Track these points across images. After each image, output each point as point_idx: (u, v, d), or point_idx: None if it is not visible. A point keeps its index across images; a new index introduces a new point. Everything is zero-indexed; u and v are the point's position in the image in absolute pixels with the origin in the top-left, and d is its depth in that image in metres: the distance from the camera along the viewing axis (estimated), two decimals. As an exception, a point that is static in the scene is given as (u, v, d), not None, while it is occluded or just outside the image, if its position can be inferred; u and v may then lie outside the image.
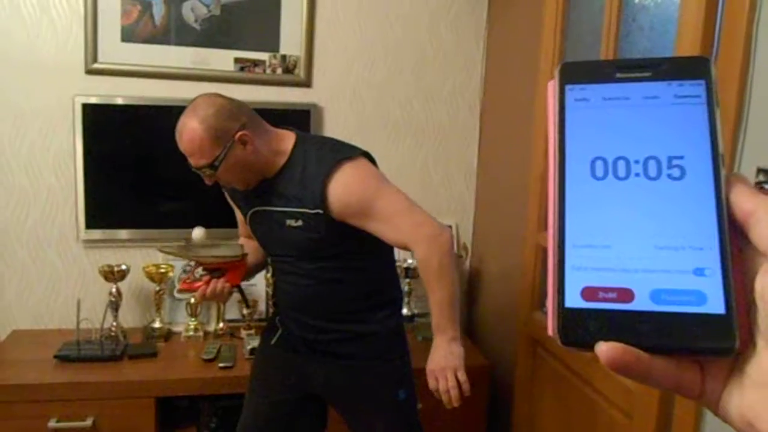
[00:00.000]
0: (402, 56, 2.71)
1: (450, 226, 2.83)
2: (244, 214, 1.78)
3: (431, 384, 1.62)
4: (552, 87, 0.37)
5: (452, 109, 2.79)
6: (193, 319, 2.50)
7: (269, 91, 2.59)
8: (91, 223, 2.50)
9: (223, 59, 2.54)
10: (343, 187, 1.59)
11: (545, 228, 2.17)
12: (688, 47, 1.46)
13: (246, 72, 2.56)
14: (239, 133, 1.56)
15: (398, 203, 1.62)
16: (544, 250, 2.19)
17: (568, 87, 0.37)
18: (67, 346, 2.27)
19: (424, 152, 2.79)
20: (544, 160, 2.15)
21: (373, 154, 1.72)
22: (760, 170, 1.29)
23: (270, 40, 2.56)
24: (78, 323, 2.28)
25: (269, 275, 2.60)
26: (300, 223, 1.63)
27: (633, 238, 0.33)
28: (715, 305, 0.31)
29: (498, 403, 2.49)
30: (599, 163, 0.35)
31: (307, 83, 2.63)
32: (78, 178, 2.46)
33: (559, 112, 0.36)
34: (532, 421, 2.26)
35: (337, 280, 1.70)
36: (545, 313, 2.18)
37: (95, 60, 2.45)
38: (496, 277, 2.65)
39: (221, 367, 2.24)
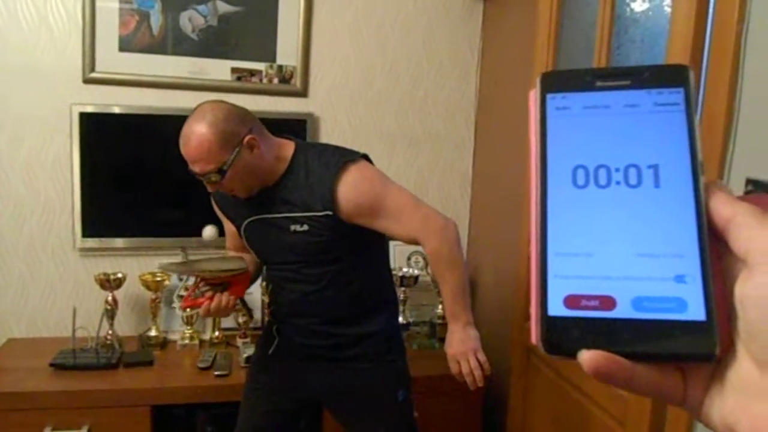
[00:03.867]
0: (397, 66, 2.73)
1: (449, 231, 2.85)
2: (238, 225, 1.77)
3: (454, 368, 1.66)
4: (533, 96, 0.37)
5: (447, 119, 2.81)
6: (188, 327, 2.50)
7: (266, 101, 2.61)
8: (87, 232, 2.50)
9: (220, 69, 2.56)
10: (352, 188, 1.62)
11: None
12: (679, 59, 1.48)
13: (243, 82, 2.58)
14: (247, 137, 1.57)
15: (405, 200, 1.67)
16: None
17: (549, 96, 0.37)
18: (62, 354, 2.27)
19: (420, 162, 2.81)
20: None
21: (369, 163, 1.74)
22: (749, 181, 1.31)
23: (267, 50, 2.58)
24: (74, 331, 2.28)
25: (264, 284, 2.61)
26: (305, 227, 1.64)
27: (614, 246, 0.34)
28: (696, 312, 0.32)
29: (492, 411, 2.50)
30: (580, 172, 0.35)
31: (303, 93, 2.65)
32: (74, 186, 2.47)
33: (541, 121, 0.36)
34: (527, 429, 2.27)
35: (340, 283, 1.71)
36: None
37: (93, 69, 2.46)
38: (491, 285, 2.67)
39: (217, 376, 2.24)
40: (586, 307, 0.33)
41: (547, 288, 0.34)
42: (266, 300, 2.35)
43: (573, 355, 0.33)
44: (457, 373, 1.67)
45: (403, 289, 2.66)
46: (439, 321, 2.68)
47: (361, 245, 1.72)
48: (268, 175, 1.65)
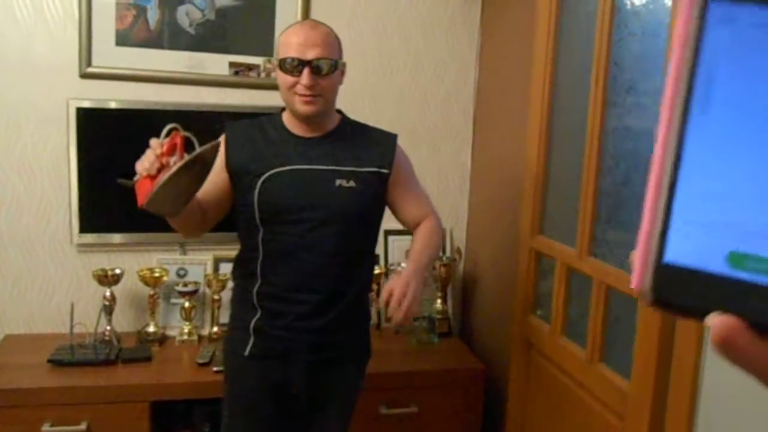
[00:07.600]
0: (396, 61, 2.72)
1: (443, 229, 2.84)
2: (257, 175, 1.64)
3: (384, 296, 1.58)
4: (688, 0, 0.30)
5: (446, 114, 2.80)
6: (187, 323, 2.49)
7: (264, 95, 2.59)
8: (84, 227, 2.49)
9: (217, 63, 2.54)
10: (404, 155, 1.82)
11: (538, 232, 2.18)
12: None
13: (240, 76, 2.57)
14: (343, 62, 1.71)
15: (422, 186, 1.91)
16: (538, 254, 2.20)
17: (712, 3, 0.29)
18: (60, 351, 2.26)
19: (418, 156, 2.79)
20: (537, 163, 2.16)
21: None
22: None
23: (264, 45, 2.57)
24: (72, 327, 2.27)
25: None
26: (352, 183, 1.67)
27: (760, 195, 0.28)
28: None
29: (492, 406, 2.50)
30: (735, 104, 0.29)
31: (301, 87, 2.63)
32: (72, 181, 2.46)
33: (696, 33, 0.30)
34: (526, 424, 2.26)
35: (352, 258, 1.72)
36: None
37: (89, 64, 2.44)
38: (490, 280, 2.66)
39: (215, 371, 2.23)
40: (713, 261, 0.28)
41: (668, 229, 0.29)
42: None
43: (684, 312, 0.29)
44: (385, 300, 1.57)
45: (402, 284, 2.65)
46: (438, 316, 2.68)
47: (377, 224, 1.81)
48: (327, 116, 1.72)
